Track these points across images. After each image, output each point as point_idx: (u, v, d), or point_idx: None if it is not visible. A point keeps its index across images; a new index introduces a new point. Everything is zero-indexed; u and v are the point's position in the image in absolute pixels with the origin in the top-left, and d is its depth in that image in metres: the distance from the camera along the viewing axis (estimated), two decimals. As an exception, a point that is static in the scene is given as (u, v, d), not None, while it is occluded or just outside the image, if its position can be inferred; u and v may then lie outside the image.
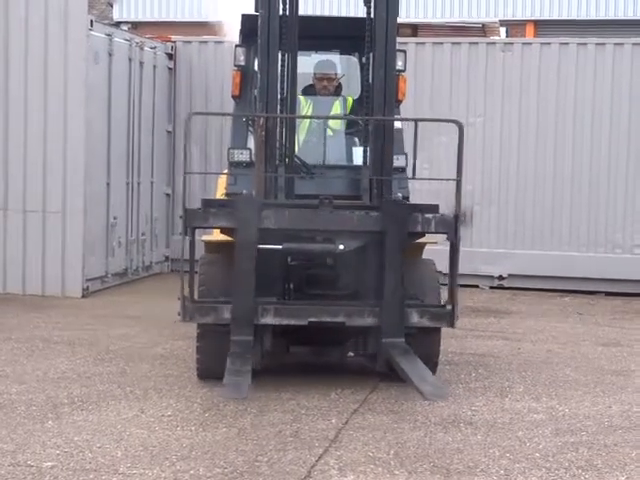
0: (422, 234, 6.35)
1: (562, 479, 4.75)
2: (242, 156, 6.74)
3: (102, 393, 6.19)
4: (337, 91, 7.28)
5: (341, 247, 6.10)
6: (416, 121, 6.41)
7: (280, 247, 6.04)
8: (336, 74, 7.23)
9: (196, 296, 6.21)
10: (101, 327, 8.54)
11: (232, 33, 7.74)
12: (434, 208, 6.30)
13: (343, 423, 5.61)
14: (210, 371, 6.30)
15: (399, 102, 6.70)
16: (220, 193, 7.03)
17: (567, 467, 4.94)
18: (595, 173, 11.14)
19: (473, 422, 5.73)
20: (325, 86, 7.18)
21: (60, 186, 9.96)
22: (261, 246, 5.97)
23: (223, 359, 5.97)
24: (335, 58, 7.36)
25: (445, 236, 6.33)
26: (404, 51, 6.75)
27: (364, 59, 6.87)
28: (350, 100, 7.25)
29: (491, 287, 11.28)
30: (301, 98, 6.97)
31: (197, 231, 6.35)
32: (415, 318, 6.20)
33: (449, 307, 6.24)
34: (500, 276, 11.29)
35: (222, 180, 7.15)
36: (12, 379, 6.51)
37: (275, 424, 5.48)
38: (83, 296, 10.07)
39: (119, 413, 5.73)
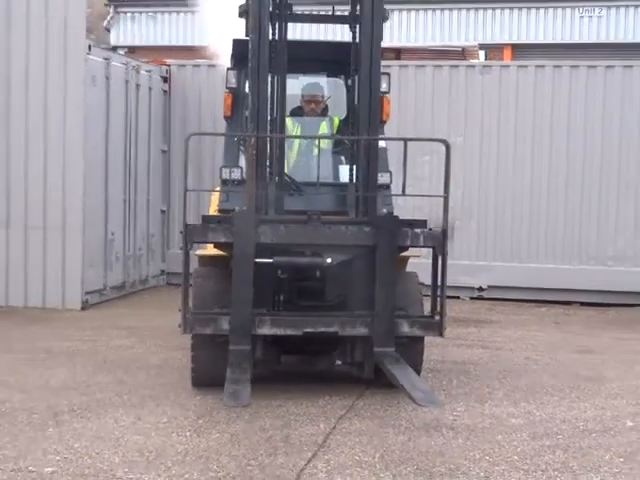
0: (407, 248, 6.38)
1: (538, 481, 4.80)
2: (234, 174, 6.72)
3: (101, 401, 6.18)
4: (324, 112, 7.31)
5: (329, 260, 6.10)
6: (405, 140, 6.38)
7: (271, 261, 6.04)
8: (323, 96, 7.27)
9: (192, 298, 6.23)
10: (100, 338, 8.53)
11: (224, 57, 7.73)
12: (422, 223, 6.33)
13: (331, 428, 5.61)
14: (204, 379, 6.30)
15: (383, 122, 6.71)
16: (213, 209, 7.03)
17: (544, 469, 4.96)
18: (570, 189, 11.19)
19: (454, 427, 5.74)
20: (313, 108, 7.22)
21: (60, 203, 9.95)
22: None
23: (216, 367, 6.01)
24: (322, 80, 7.37)
25: (426, 250, 6.39)
26: (388, 74, 6.77)
27: (350, 81, 6.90)
28: (336, 120, 7.27)
29: (471, 298, 11.32)
30: (289, 119, 6.97)
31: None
32: (406, 328, 6.22)
33: (437, 317, 6.27)
34: (480, 287, 11.33)
35: (215, 197, 7.14)
36: (14, 388, 6.49)
37: (266, 430, 5.48)
38: (82, 308, 10.06)
39: (117, 420, 5.72)
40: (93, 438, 5.34)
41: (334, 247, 6.18)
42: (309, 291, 6.31)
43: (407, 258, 6.69)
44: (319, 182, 6.56)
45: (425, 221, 6.36)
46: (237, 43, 6.84)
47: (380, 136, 6.41)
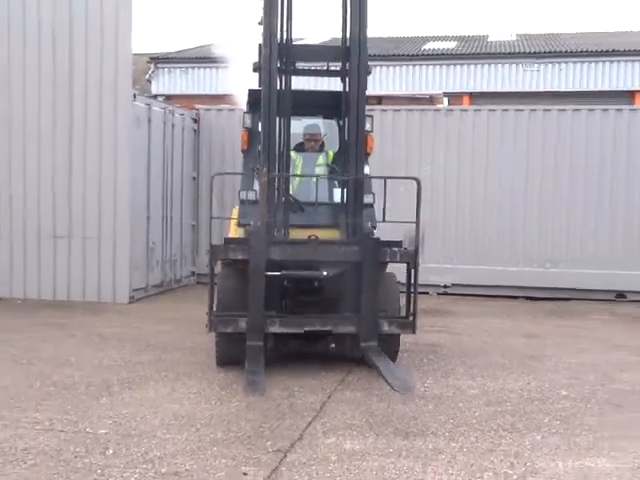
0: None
1: (492, 439, 4.79)
2: (249, 195, 6.76)
3: (143, 376, 6.20)
4: (321, 147, 7.33)
5: (324, 273, 6.14)
6: (385, 179, 6.42)
7: (279, 273, 6.08)
8: (320, 134, 7.29)
9: (216, 302, 6.19)
10: (143, 326, 8.54)
11: (242, 103, 7.75)
12: (399, 244, 6.34)
13: (327, 398, 5.62)
14: (225, 360, 6.31)
15: (368, 155, 6.70)
16: (234, 223, 7.04)
17: (496, 429, 4.98)
18: (514, 206, 11.23)
19: (425, 396, 5.74)
20: (312, 144, 7.25)
21: (111, 219, 9.97)
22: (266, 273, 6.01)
23: (235, 351, 6.07)
24: (319, 122, 7.38)
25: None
26: (371, 116, 6.79)
27: (341, 122, 6.95)
28: (331, 154, 7.28)
29: (438, 293, 11.33)
30: (293, 153, 6.97)
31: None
32: (386, 327, 6.23)
33: (411, 318, 6.26)
34: (445, 285, 11.36)
35: (235, 212, 7.16)
36: (75, 366, 6.51)
37: (275, 399, 5.48)
38: (129, 302, 10.07)
39: (157, 391, 5.74)
40: (137, 405, 5.35)
41: (329, 263, 6.19)
42: (309, 297, 6.34)
43: (387, 262, 6.67)
44: (317, 202, 6.60)
45: (401, 242, 6.37)
46: (251, 92, 6.84)
47: (360, 167, 6.35)
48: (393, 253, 6.26)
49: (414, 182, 6.33)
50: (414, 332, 6.29)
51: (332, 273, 6.17)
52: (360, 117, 6.30)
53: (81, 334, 7.99)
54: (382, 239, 6.32)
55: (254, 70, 6.36)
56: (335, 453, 4.49)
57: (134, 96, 10.27)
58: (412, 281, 6.31)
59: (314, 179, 6.71)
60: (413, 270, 6.27)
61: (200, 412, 5.22)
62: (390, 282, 6.60)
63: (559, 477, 4.19)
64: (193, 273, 12.39)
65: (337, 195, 6.87)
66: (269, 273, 6.01)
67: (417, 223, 6.26)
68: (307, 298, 6.35)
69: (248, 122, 7.01)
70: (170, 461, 4.31)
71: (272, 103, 6.16)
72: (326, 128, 7.43)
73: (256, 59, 6.30)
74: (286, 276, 6.18)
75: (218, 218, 6.61)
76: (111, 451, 4.45)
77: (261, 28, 6.20)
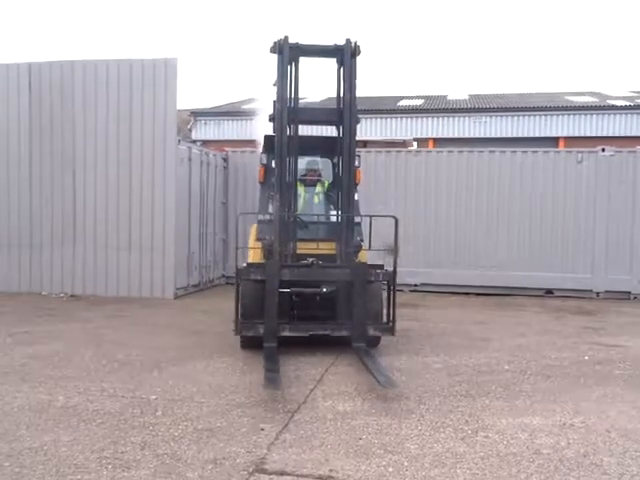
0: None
1: (452, 402, 4.76)
2: (265, 217, 6.74)
3: (185, 355, 6.15)
4: (319, 178, 7.29)
5: (324, 290, 6.12)
6: (370, 217, 6.27)
7: (289, 290, 6.07)
8: (318, 169, 7.26)
9: (240, 309, 6.08)
10: (185, 316, 8.50)
11: (259, 146, 7.76)
12: (381, 266, 6.25)
13: (324, 371, 5.59)
14: (247, 346, 6.25)
15: (357, 184, 6.66)
16: (253, 238, 6.98)
17: (454, 395, 4.94)
18: (468, 225, 11.20)
19: (401, 369, 5.72)
20: (312, 176, 7.22)
21: (161, 234, 9.94)
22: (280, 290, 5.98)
23: (253, 340, 6.04)
24: (318, 160, 7.33)
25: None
26: (359, 155, 6.71)
27: (335, 160, 6.92)
28: (326, 184, 7.25)
29: (410, 290, 11.27)
30: (299, 183, 6.92)
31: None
32: (371, 331, 6.14)
33: (391, 324, 6.16)
34: (415, 284, 11.30)
35: (253, 230, 7.11)
36: (133, 347, 6.46)
37: (285, 372, 5.44)
38: (175, 298, 10.02)
39: (195, 367, 5.70)
40: (180, 377, 5.32)
41: (328, 282, 6.15)
42: (312, 308, 6.27)
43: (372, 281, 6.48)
44: (318, 221, 6.71)
45: (382, 265, 6.28)
46: (267, 137, 6.83)
47: (352, 199, 6.29)
48: (377, 274, 6.19)
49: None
50: (393, 335, 6.19)
51: (330, 289, 6.14)
52: (351, 156, 6.26)
53: (137, 322, 7.96)
54: (368, 262, 6.34)
55: (269, 120, 6.33)
56: (331, 413, 4.46)
57: (178, 141, 10.26)
58: (391, 295, 6.18)
59: (315, 202, 6.76)
60: (392, 287, 6.15)
61: (228, 382, 5.19)
62: (376, 292, 6.40)
63: (503, 431, 4.16)
64: (223, 275, 12.32)
65: (333, 217, 6.81)
66: (281, 290, 5.96)
67: (394, 251, 6.18)
68: (311, 308, 6.28)
69: (264, 160, 7.04)
70: (205, 419, 4.29)
71: (284, 146, 6.14)
72: (324, 164, 7.41)
73: (271, 112, 6.28)
74: (294, 292, 6.15)
75: (241, 248, 6.32)
76: (160, 412, 4.43)
77: (275, 89, 6.18)
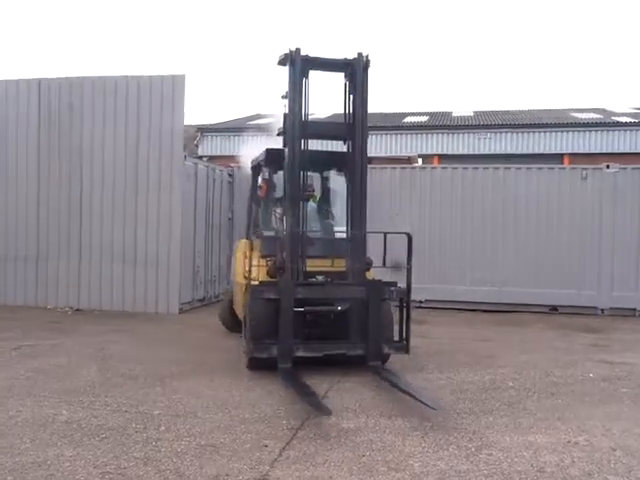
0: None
1: (455, 419, 4.74)
2: (270, 232, 6.68)
3: (189, 370, 6.14)
4: (313, 193, 7.02)
5: (339, 308, 6.00)
6: (385, 234, 6.23)
7: (302, 309, 5.91)
8: (312, 183, 7.04)
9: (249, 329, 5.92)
10: (190, 331, 8.50)
11: (245, 163, 8.10)
12: (395, 284, 6.18)
13: (329, 388, 5.57)
14: (256, 366, 6.01)
15: None
16: (243, 253, 6.80)
17: (458, 412, 4.92)
18: (474, 242, 11.14)
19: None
20: (309, 193, 6.76)
21: (166, 249, 9.95)
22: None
23: (266, 360, 5.81)
24: (310, 174, 6.83)
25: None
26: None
27: (347, 174, 6.63)
28: (317, 197, 7.22)
29: (415, 307, 11.18)
30: None
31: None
32: (386, 349, 6.06)
33: (404, 342, 6.12)
34: (420, 300, 11.23)
35: (242, 246, 7.08)
36: (137, 362, 6.46)
37: (290, 389, 5.39)
38: (179, 313, 10.02)
39: (199, 382, 5.69)
40: (184, 392, 5.31)
41: (342, 299, 6.04)
42: (325, 326, 6.09)
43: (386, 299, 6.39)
44: (325, 238, 6.69)
45: (396, 282, 6.21)
46: (269, 151, 6.70)
47: (369, 230, 6.13)
48: (391, 292, 6.11)
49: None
50: (408, 353, 6.11)
51: (344, 307, 6.01)
52: (363, 173, 6.11)
53: (142, 337, 7.96)
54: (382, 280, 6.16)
55: (278, 134, 6.21)
56: (335, 430, 4.45)
57: (185, 157, 10.30)
58: (405, 312, 6.13)
59: (314, 217, 6.64)
60: (405, 304, 6.11)
61: (232, 398, 5.18)
62: (387, 310, 6.33)
63: (507, 449, 4.14)
64: (227, 290, 12.29)
65: (339, 233, 6.66)
66: (296, 309, 5.77)
67: (408, 268, 6.13)
68: (324, 327, 6.09)
69: (266, 175, 6.77)
70: (208, 435, 4.28)
71: (296, 160, 5.98)
72: (335, 178, 7.24)
73: (280, 126, 6.12)
74: (308, 311, 5.94)
75: (250, 280, 6.13)
76: (163, 427, 4.43)
77: (284, 102, 6.03)
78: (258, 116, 28.71)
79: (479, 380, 5.98)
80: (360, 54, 6.11)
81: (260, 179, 6.95)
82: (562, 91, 71.29)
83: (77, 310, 9.96)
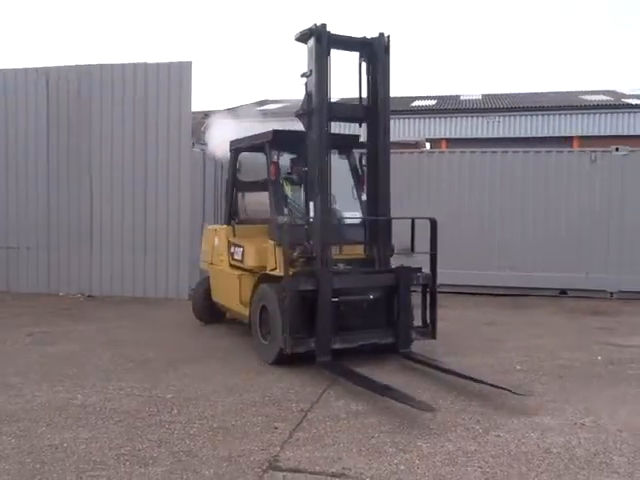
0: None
1: (463, 402, 4.79)
2: (285, 219, 6.01)
3: (200, 355, 6.21)
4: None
5: (371, 296, 5.91)
6: (412, 219, 6.20)
7: (337, 299, 5.65)
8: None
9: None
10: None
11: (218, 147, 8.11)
12: (420, 269, 6.14)
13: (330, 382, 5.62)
14: (285, 360, 5.67)
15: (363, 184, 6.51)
16: (225, 242, 7.09)
17: (466, 394, 4.97)
18: (482, 226, 11.09)
19: (415, 369, 5.73)
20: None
21: (176, 236, 10.00)
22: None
23: (301, 354, 5.59)
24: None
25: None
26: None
27: (368, 158, 6.39)
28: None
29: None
30: (286, 183, 6.56)
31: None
32: (414, 335, 6.06)
33: (430, 327, 6.13)
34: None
35: (220, 231, 7.30)
36: (148, 347, 6.50)
37: (299, 373, 5.50)
38: (189, 299, 10.06)
39: (210, 367, 5.77)
40: (195, 377, 5.40)
41: (374, 288, 5.92)
42: (357, 316, 5.91)
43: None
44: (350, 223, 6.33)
45: (420, 268, 6.16)
46: (276, 132, 6.29)
47: (394, 216, 6.10)
48: (417, 277, 6.08)
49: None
50: (434, 338, 6.12)
51: (376, 296, 5.93)
52: (387, 155, 6.00)
53: (153, 323, 8.03)
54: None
55: (297, 115, 5.87)
56: (344, 412, 4.52)
57: (192, 144, 10.33)
58: (429, 297, 6.11)
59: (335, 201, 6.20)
60: (429, 290, 6.08)
61: (242, 382, 5.25)
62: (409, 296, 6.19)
63: (514, 430, 4.19)
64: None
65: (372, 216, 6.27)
66: (333, 299, 5.57)
67: (433, 254, 6.14)
68: (355, 317, 5.89)
69: (275, 157, 6.30)
70: (220, 418, 4.37)
71: (323, 143, 5.65)
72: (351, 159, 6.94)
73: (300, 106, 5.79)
74: (343, 300, 5.71)
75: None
76: (176, 411, 4.51)
77: (303, 80, 5.74)
78: (266, 101, 28.70)
79: (487, 363, 6.02)
80: (382, 34, 5.90)
81: (267, 161, 6.37)
82: (571, 73, 70.56)
83: (89, 297, 10.07)
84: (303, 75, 5.75)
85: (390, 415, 4.45)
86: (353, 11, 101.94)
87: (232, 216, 7.33)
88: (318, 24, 5.65)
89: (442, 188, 11.28)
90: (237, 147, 7.30)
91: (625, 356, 6.36)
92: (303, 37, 5.73)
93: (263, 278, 6.14)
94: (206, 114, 23.15)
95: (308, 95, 5.73)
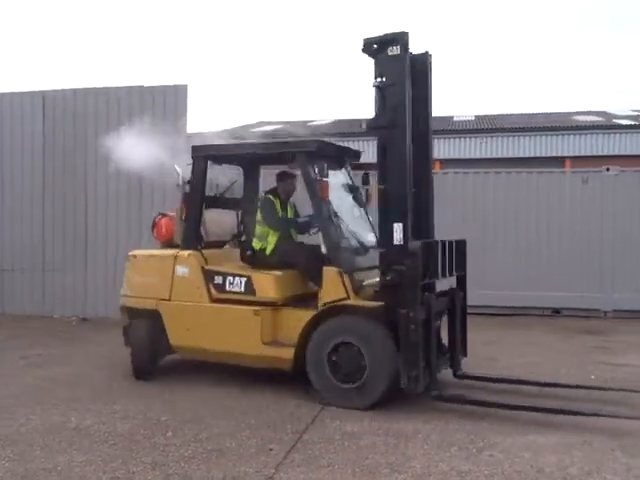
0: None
1: (457, 422, 4.79)
2: (347, 243, 5.55)
3: (196, 377, 6.09)
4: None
5: (439, 321, 5.59)
6: (448, 242, 5.80)
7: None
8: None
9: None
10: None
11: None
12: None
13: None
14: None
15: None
16: (191, 267, 5.91)
17: (460, 413, 4.97)
18: (474, 247, 11.11)
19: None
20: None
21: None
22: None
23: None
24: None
25: None
26: (368, 173, 6.27)
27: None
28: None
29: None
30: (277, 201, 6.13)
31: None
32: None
33: (462, 345, 6.00)
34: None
35: (184, 259, 5.97)
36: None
37: (295, 397, 5.46)
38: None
39: (206, 389, 5.71)
40: (191, 399, 5.35)
41: (441, 311, 5.63)
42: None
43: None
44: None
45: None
46: (320, 143, 5.71)
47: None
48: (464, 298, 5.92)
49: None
50: (466, 356, 6.03)
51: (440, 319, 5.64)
52: (430, 179, 5.61)
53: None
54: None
55: (371, 129, 5.30)
56: (339, 433, 4.53)
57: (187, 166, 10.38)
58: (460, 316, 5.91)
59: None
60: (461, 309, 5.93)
61: (238, 404, 5.25)
62: None
63: (508, 449, 4.21)
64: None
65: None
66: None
67: (464, 275, 6.06)
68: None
69: (325, 171, 5.38)
70: (215, 440, 4.37)
71: (409, 156, 5.14)
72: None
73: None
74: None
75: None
76: (170, 433, 4.52)
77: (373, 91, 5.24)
78: (262, 123, 28.91)
79: (481, 383, 6.02)
80: (427, 51, 5.49)
81: (316, 177, 5.46)
82: (563, 94, 71.45)
83: (83, 319, 10.05)
84: (380, 85, 5.20)
85: (384, 436, 4.46)
86: (342, 30, 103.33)
87: (198, 239, 6.16)
88: (398, 31, 5.17)
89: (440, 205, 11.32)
90: (208, 155, 6.09)
91: (619, 375, 6.39)
92: (382, 45, 5.17)
93: (332, 311, 5.22)
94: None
95: (390, 107, 5.15)
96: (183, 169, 6.31)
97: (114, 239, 10.18)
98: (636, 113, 24.72)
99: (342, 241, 5.51)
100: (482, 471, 3.85)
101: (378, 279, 5.20)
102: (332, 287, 5.24)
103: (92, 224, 10.28)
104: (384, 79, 5.17)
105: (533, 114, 25.91)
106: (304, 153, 5.55)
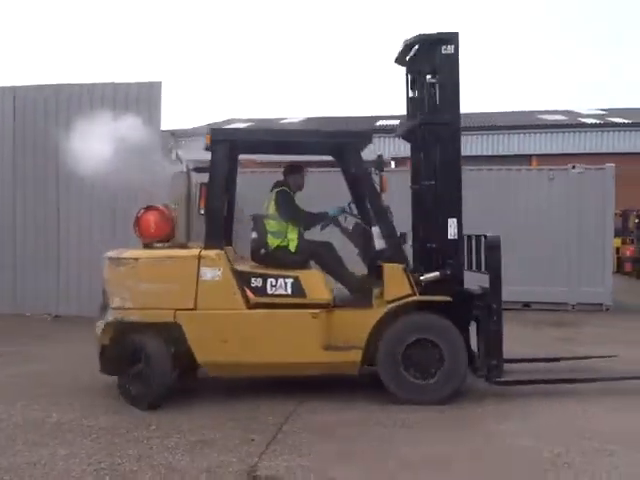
0: None
1: (438, 410, 4.93)
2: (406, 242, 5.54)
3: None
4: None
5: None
6: (469, 237, 5.71)
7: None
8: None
9: None
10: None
11: None
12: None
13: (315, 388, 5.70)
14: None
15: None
16: (221, 267, 5.12)
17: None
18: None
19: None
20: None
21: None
22: None
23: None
24: None
25: None
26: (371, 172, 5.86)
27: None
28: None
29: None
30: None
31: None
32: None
33: None
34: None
35: (210, 258, 5.08)
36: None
37: (274, 392, 5.51)
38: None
39: (187, 383, 5.74)
40: (172, 392, 5.39)
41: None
42: None
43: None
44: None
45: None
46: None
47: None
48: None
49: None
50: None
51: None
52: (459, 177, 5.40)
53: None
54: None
55: (421, 125, 5.40)
56: (319, 424, 4.64)
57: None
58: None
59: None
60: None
61: (219, 396, 5.29)
62: None
63: (489, 434, 4.36)
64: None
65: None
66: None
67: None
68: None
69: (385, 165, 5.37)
70: (198, 432, 4.44)
71: (459, 154, 5.32)
72: None
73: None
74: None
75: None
76: (153, 427, 4.57)
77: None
78: (232, 120, 28.84)
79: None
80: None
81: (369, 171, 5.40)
82: (528, 93, 72.77)
83: (56, 317, 9.97)
84: (436, 81, 5.26)
85: (367, 426, 4.58)
86: (310, 33, 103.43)
87: (226, 236, 5.57)
88: (452, 32, 5.20)
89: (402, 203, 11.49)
90: (230, 140, 5.38)
91: (586, 364, 6.62)
92: (433, 42, 5.19)
93: (401, 309, 5.09)
94: (172, 133, 23.15)
95: (445, 104, 5.22)
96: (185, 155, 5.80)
97: (87, 236, 10.10)
98: (600, 112, 25.40)
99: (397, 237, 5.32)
100: (465, 455, 4.01)
101: (437, 273, 5.21)
102: (397, 284, 5.08)
103: (64, 223, 10.19)
104: (437, 77, 5.24)
105: (500, 113, 26.34)
106: (355, 144, 5.33)
